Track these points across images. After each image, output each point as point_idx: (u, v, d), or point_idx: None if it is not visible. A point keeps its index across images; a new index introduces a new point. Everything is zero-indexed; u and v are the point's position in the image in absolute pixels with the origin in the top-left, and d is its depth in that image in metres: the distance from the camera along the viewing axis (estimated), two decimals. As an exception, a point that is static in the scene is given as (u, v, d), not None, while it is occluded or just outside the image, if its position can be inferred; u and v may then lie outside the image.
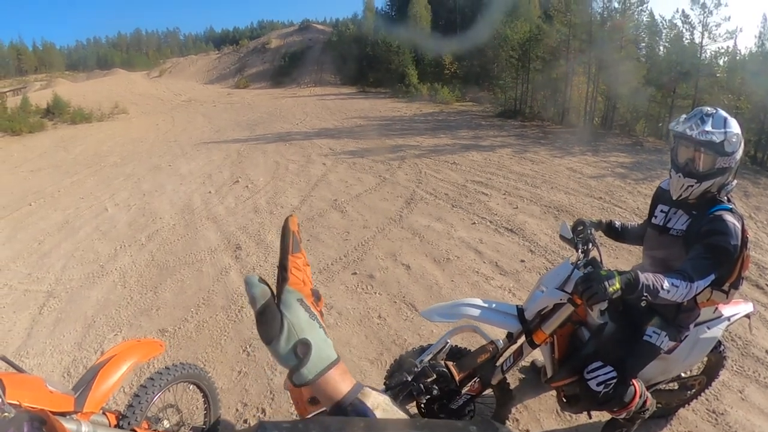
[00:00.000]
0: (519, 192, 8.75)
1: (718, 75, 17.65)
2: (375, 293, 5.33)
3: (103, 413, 2.48)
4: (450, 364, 2.64)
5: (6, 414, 1.81)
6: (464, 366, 2.64)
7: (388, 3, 47.24)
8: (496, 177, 9.86)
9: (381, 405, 0.73)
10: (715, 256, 2.24)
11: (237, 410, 3.75)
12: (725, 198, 2.42)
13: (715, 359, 3.13)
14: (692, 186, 2.38)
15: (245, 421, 3.62)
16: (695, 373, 3.27)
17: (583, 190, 8.86)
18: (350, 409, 0.72)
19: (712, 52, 17.74)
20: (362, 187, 9.51)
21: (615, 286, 2.00)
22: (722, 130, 2.28)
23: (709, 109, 2.36)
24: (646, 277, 2.06)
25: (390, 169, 10.96)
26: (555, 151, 12.90)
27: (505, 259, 6.02)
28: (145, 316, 5.43)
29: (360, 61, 38.05)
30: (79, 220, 9.48)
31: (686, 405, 3.41)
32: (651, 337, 2.58)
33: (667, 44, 20.55)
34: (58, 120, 31.13)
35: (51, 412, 2.01)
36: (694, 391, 3.29)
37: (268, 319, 0.73)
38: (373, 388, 0.76)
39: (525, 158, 11.77)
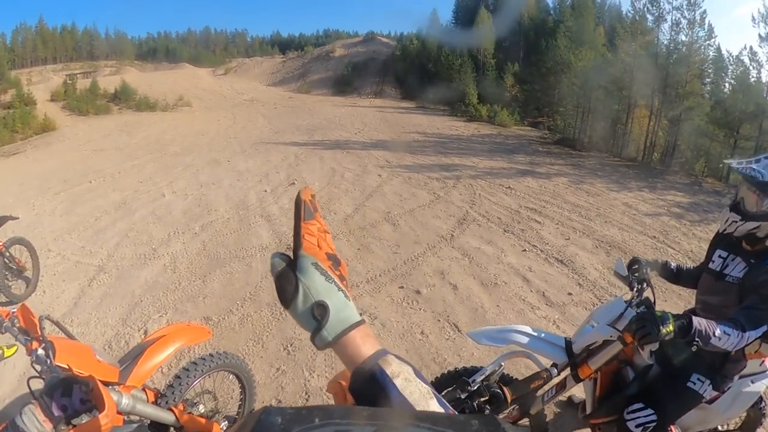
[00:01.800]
0: (572, 223, 8.67)
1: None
2: (420, 309, 5.38)
3: (143, 389, 2.58)
4: (506, 389, 2.66)
5: (54, 375, 1.93)
6: (517, 390, 2.66)
7: (453, 21, 47.42)
8: (550, 205, 9.78)
9: (403, 374, 0.70)
10: None
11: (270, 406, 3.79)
12: None
13: (754, 415, 3.05)
14: (736, 222, 2.34)
15: None
16: (732, 428, 3.19)
17: (637, 228, 8.69)
18: (369, 374, 0.70)
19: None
20: (416, 203, 9.58)
21: (668, 328, 2.00)
22: None
23: None
24: (699, 323, 2.04)
25: (445, 187, 11.00)
26: (611, 184, 12.68)
27: (552, 289, 5.97)
28: (192, 303, 5.64)
29: (421, 77, 38.20)
30: (136, 202, 9.93)
31: None
32: (695, 384, 2.53)
33: (732, 81, 19.97)
34: (123, 106, 32.49)
35: (96, 379, 2.11)
36: None
37: (284, 283, 0.75)
38: (399, 357, 0.73)
39: (581, 189, 11.63)
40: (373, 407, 0.68)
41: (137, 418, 2.41)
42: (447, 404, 0.70)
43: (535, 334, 2.71)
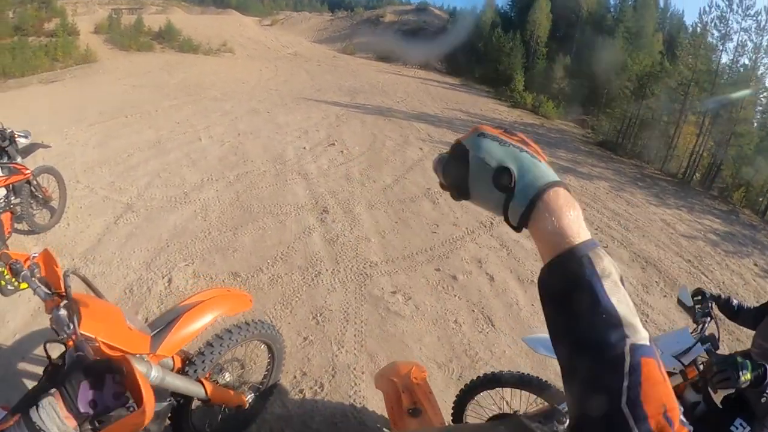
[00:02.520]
0: (610, 231, 8.51)
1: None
2: (455, 296, 5.29)
3: (171, 356, 2.42)
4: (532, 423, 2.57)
5: (79, 354, 1.59)
6: None
7: (510, 3, 46.39)
8: (589, 209, 9.62)
9: (613, 275, 0.60)
10: None
11: (295, 377, 3.72)
12: None
13: None
14: None
15: (300, 391, 3.59)
16: None
17: (674, 248, 8.49)
18: (573, 265, 0.60)
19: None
20: (457, 184, 9.35)
21: (746, 376, 1.98)
22: None
23: None
24: None
25: (487, 173, 10.73)
26: (651, 197, 12.46)
27: (588, 297, 5.84)
28: (220, 255, 5.54)
29: (470, 55, 37.63)
30: (170, 143, 9.87)
31: None
32: (737, 429, 2.44)
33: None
34: (166, 45, 32.58)
35: (125, 351, 1.93)
36: None
37: (452, 169, 0.71)
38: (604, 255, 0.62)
39: (621, 197, 11.40)
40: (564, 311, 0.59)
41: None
42: (649, 332, 0.59)
43: None
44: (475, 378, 2.94)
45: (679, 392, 2.56)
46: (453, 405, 3.00)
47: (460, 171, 0.70)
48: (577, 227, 0.64)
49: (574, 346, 0.59)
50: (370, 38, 50.47)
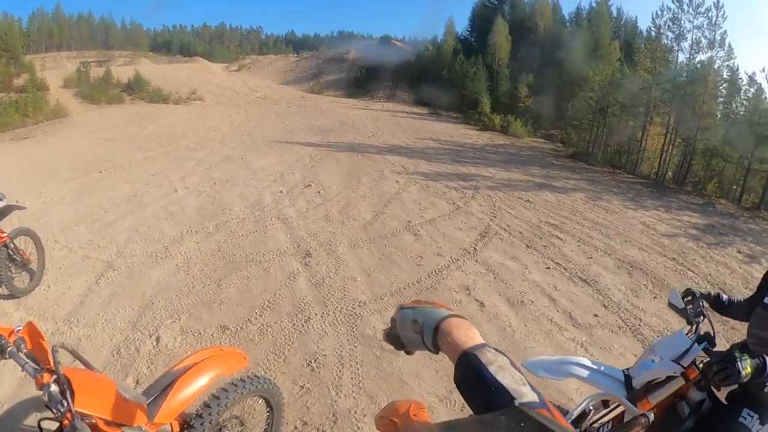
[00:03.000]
0: (593, 241, 8.58)
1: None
2: (447, 326, 5.25)
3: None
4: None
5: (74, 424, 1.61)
6: None
7: (469, 29, 47.33)
8: (569, 221, 9.71)
9: (497, 362, 0.79)
10: None
11: (295, 428, 3.62)
12: None
13: None
14: None
15: None
16: None
17: (657, 249, 8.61)
18: (466, 362, 0.81)
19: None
20: (436, 212, 9.49)
21: (747, 370, 2.00)
22: None
23: None
24: None
25: (464, 197, 10.92)
26: (628, 202, 12.67)
27: (578, 310, 5.88)
28: (206, 308, 5.42)
29: (435, 83, 38.19)
30: (147, 197, 9.79)
31: None
32: (745, 419, 2.48)
33: (747, 103, 19.94)
34: (136, 96, 32.71)
35: (123, 425, 1.90)
36: None
37: (390, 339, 1.07)
38: (496, 349, 0.83)
39: (598, 206, 11.56)
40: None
41: None
42: (540, 392, 0.74)
43: (594, 366, 2.64)
44: None
45: (683, 392, 2.58)
46: None
47: (395, 332, 1.05)
48: (465, 338, 0.87)
49: (482, 412, 0.75)
50: (336, 76, 51.12)
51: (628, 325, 5.65)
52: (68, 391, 1.74)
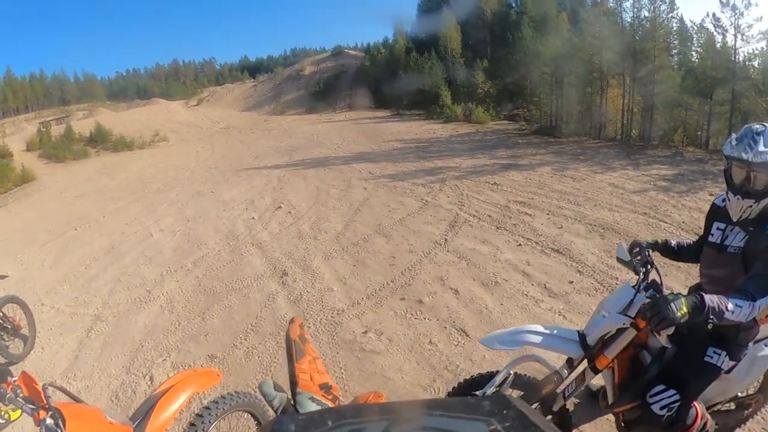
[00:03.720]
0: (562, 211, 8.68)
1: (753, 78, 17.22)
2: (424, 318, 5.34)
3: None
4: (515, 396, 2.61)
5: None
6: (530, 398, 2.63)
7: (418, 25, 47.46)
8: (538, 196, 9.81)
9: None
10: None
11: None
12: None
13: None
14: (751, 206, 2.35)
15: None
16: (751, 392, 3.14)
17: (627, 207, 8.73)
18: None
19: (746, 55, 17.36)
20: (405, 211, 9.55)
21: (683, 310, 2.00)
22: None
23: (758, 126, 2.33)
24: (711, 299, 2.05)
25: (431, 192, 10.99)
26: (595, 167, 12.75)
27: (553, 280, 5.96)
28: (194, 342, 5.54)
29: (393, 85, 38.22)
30: (124, 245, 9.80)
31: (742, 425, 3.30)
32: (712, 357, 2.52)
33: (699, 50, 20.20)
34: (100, 148, 32.25)
35: None
36: (751, 410, 3.17)
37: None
38: None
39: (565, 176, 11.69)
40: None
41: None
42: None
43: (548, 331, 2.68)
44: (455, 385, 2.98)
45: (643, 342, 2.63)
46: None
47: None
48: None
49: None
50: (295, 94, 50.94)
51: (604, 286, 5.73)
52: (61, 422, 2.03)
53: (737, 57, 17.32)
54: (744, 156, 2.28)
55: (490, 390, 2.61)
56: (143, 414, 2.53)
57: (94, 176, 22.04)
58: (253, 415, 3.12)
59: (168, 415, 2.54)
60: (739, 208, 2.39)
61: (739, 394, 3.06)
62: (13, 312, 5.78)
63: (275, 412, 0.84)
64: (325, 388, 0.90)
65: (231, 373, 4.76)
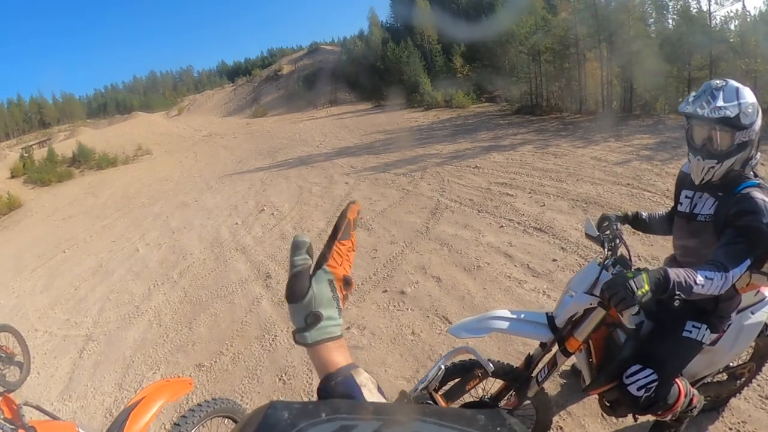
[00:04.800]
0: (544, 189, 8.63)
1: (731, 40, 17.22)
2: (407, 309, 5.29)
3: None
4: (438, 395, 2.53)
5: None
6: (453, 395, 2.56)
7: (392, 15, 47.47)
8: (519, 176, 9.75)
9: (368, 386, 0.80)
10: (748, 239, 2.08)
11: None
12: (751, 173, 2.27)
13: (764, 344, 2.95)
14: (713, 167, 2.22)
15: None
16: (743, 361, 3.09)
17: (610, 179, 8.69)
18: (341, 379, 0.80)
19: (722, 18, 17.38)
20: (386, 203, 9.49)
21: (643, 288, 1.87)
22: (735, 102, 2.11)
23: (718, 82, 2.21)
24: (677, 274, 1.93)
25: (412, 181, 10.92)
26: (577, 141, 12.73)
27: (536, 260, 5.90)
28: (182, 353, 5.52)
29: (372, 76, 38.16)
30: (112, 263, 9.76)
31: (737, 394, 3.24)
32: (691, 332, 2.42)
33: (674, 17, 20.20)
34: (84, 167, 32.02)
35: None
36: (744, 379, 3.12)
37: (298, 283, 0.84)
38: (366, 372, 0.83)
39: (547, 153, 11.64)
40: (379, 402, 0.78)
41: None
42: None
43: (515, 316, 2.57)
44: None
45: (616, 320, 2.51)
46: None
47: (301, 287, 0.84)
48: (343, 358, 0.84)
49: None
50: (275, 95, 50.83)
51: (588, 261, 5.65)
52: None
53: (713, 21, 17.32)
54: (699, 111, 2.16)
55: (420, 386, 2.49)
56: (117, 426, 2.55)
57: (80, 196, 21.90)
58: (233, 420, 3.15)
59: (141, 426, 2.56)
60: (700, 169, 2.27)
61: (730, 364, 2.98)
62: (7, 340, 5.75)
63: (291, 268, 0.83)
64: (347, 281, 0.88)
65: (218, 381, 4.74)
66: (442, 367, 2.54)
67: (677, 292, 1.93)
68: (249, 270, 7.53)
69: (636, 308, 1.93)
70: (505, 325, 2.54)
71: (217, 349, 5.38)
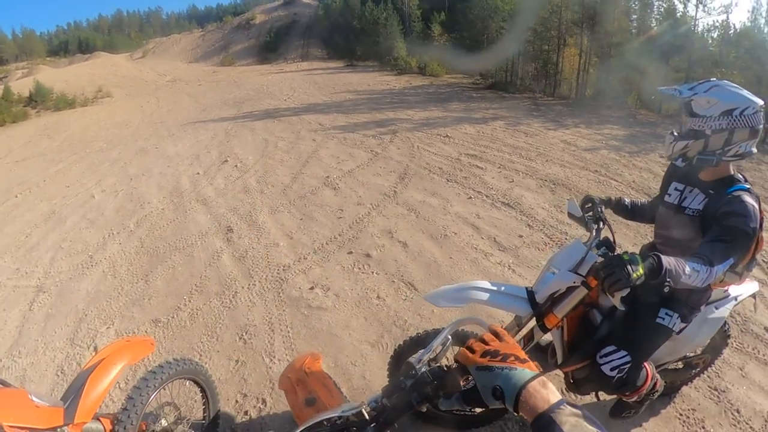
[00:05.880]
0: (514, 165, 8.62)
1: (711, 49, 17.46)
2: (372, 273, 5.21)
3: (98, 419, 2.36)
4: (453, 367, 2.49)
5: None
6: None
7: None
8: (489, 150, 9.71)
9: (569, 422, 0.83)
10: (734, 239, 2.11)
11: (237, 401, 3.61)
12: (741, 177, 2.30)
13: (720, 338, 3.08)
14: (672, 143, 2.32)
15: (245, 413, 3.49)
16: (699, 352, 3.20)
17: (578, 163, 8.73)
18: (542, 424, 0.85)
19: (706, 26, 17.58)
20: (354, 163, 9.34)
21: (639, 272, 1.85)
22: (695, 92, 2.19)
23: (715, 79, 2.24)
24: (669, 262, 1.92)
25: (382, 143, 10.78)
26: (548, 123, 12.75)
27: (503, 234, 5.90)
28: (137, 307, 5.28)
29: (347, 35, 37.47)
30: (65, 210, 9.25)
31: (690, 383, 3.39)
32: (663, 319, 2.49)
33: (658, 16, 20.34)
34: (41, 108, 30.59)
35: (38, 429, 1.96)
36: (698, 369, 3.26)
37: (473, 393, 1.10)
38: (573, 404, 0.87)
39: (518, 131, 11.62)
40: None
41: None
42: None
43: (495, 288, 2.53)
44: (401, 343, 2.89)
45: (594, 300, 2.56)
46: (387, 374, 3.01)
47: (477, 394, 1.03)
48: (541, 402, 0.89)
49: None
50: (245, 44, 49.59)
51: (554, 240, 5.72)
52: None
53: (696, 27, 17.50)
54: (678, 88, 2.26)
55: (425, 358, 2.43)
56: (75, 392, 2.33)
57: (35, 138, 20.87)
58: (195, 382, 3.00)
59: (100, 391, 2.36)
60: (667, 142, 2.37)
61: (689, 354, 3.09)
62: None
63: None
64: (492, 354, 1.09)
65: (176, 338, 4.56)
66: (449, 337, 2.48)
67: (667, 280, 1.93)
68: (210, 222, 7.28)
69: (627, 290, 1.92)
70: (485, 296, 2.50)
71: (174, 304, 5.17)
